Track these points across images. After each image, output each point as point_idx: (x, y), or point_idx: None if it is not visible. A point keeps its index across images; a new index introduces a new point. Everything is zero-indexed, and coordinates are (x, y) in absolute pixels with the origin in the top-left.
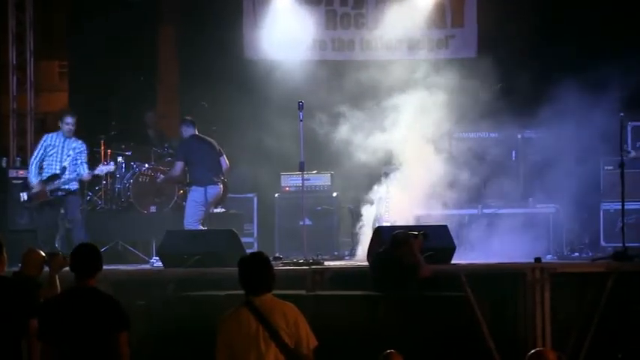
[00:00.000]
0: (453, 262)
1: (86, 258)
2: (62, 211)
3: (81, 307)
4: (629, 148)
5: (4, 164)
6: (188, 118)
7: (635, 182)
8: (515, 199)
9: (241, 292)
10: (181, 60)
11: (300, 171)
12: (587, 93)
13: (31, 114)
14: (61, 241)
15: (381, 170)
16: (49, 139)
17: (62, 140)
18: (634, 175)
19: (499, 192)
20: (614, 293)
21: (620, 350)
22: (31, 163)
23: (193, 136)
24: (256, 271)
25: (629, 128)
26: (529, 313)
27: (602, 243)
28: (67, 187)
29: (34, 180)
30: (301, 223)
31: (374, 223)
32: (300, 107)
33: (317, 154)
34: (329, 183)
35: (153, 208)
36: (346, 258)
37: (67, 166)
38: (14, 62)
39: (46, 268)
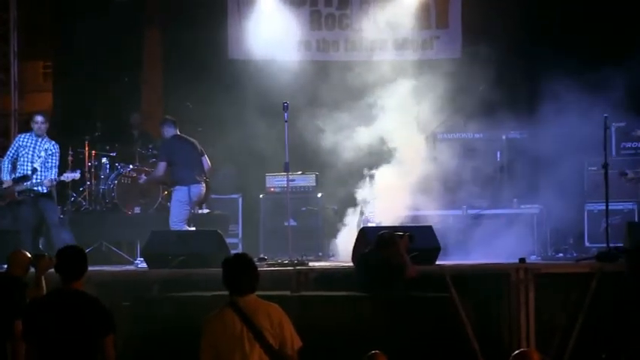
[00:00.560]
0: (437, 262)
1: (72, 260)
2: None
3: (67, 309)
4: (627, 170)
5: None
6: (169, 117)
7: (619, 183)
8: (499, 200)
9: (226, 292)
10: (166, 61)
11: (285, 172)
12: (572, 94)
13: (15, 114)
14: (45, 243)
15: (365, 171)
16: (21, 139)
17: (34, 140)
18: (618, 175)
19: (483, 192)
20: (598, 294)
21: (604, 350)
22: (2, 161)
23: (175, 136)
24: (240, 271)
25: (612, 129)
26: (513, 314)
27: (587, 243)
28: (36, 189)
29: (3, 178)
30: (286, 223)
31: (359, 224)
32: (285, 108)
33: (302, 154)
34: (314, 184)
35: (137, 209)
36: (331, 259)
37: (37, 167)
38: None
39: (32, 269)
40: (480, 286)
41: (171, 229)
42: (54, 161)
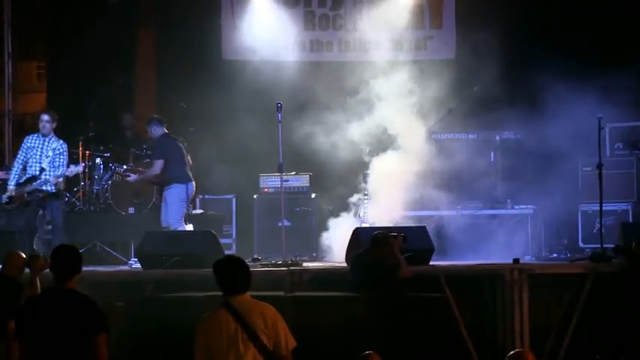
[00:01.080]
0: (431, 263)
1: (66, 259)
2: (41, 212)
3: (59, 308)
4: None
5: None
6: (156, 116)
7: (613, 183)
8: (493, 200)
9: (220, 293)
10: (159, 61)
11: (278, 172)
12: (566, 94)
13: (9, 115)
14: (40, 243)
15: (359, 172)
16: (28, 141)
17: (42, 141)
18: (612, 176)
19: (478, 193)
20: (592, 294)
21: (597, 351)
22: (14, 165)
23: (166, 134)
24: (232, 271)
25: (607, 129)
26: (507, 314)
27: (581, 244)
28: (44, 188)
29: (12, 183)
30: (280, 224)
31: (352, 225)
32: (279, 108)
33: (296, 155)
34: (308, 184)
35: (131, 209)
36: (325, 259)
37: (45, 167)
38: None
39: (27, 270)
40: (474, 287)
41: (172, 227)
42: (62, 160)
